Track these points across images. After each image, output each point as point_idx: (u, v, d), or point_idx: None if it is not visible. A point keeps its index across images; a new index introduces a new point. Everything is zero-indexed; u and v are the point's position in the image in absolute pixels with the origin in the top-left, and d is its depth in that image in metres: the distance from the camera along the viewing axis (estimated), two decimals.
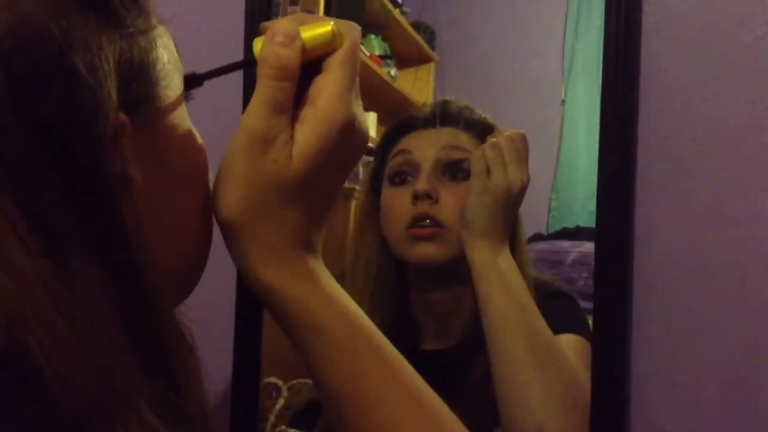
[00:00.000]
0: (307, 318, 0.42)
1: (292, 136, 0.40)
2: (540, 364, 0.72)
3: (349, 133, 0.41)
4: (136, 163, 0.33)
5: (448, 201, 0.80)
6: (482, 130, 0.83)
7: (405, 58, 1.14)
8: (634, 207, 0.76)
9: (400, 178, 0.83)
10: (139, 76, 0.36)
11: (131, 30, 0.35)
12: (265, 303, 0.43)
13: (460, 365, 0.83)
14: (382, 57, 1.13)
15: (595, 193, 0.76)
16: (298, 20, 0.42)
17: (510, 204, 0.76)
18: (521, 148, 0.76)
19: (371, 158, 0.94)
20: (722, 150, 0.74)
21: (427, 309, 0.86)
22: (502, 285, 0.74)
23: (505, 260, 0.75)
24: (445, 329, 0.86)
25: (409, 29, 1.12)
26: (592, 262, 0.78)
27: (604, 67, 0.76)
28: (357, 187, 1.02)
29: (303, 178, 0.40)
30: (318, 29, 0.41)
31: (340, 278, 0.51)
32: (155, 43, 0.38)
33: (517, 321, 0.72)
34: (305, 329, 0.42)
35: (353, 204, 1.00)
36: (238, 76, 0.90)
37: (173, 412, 0.30)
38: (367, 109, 1.06)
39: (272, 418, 0.92)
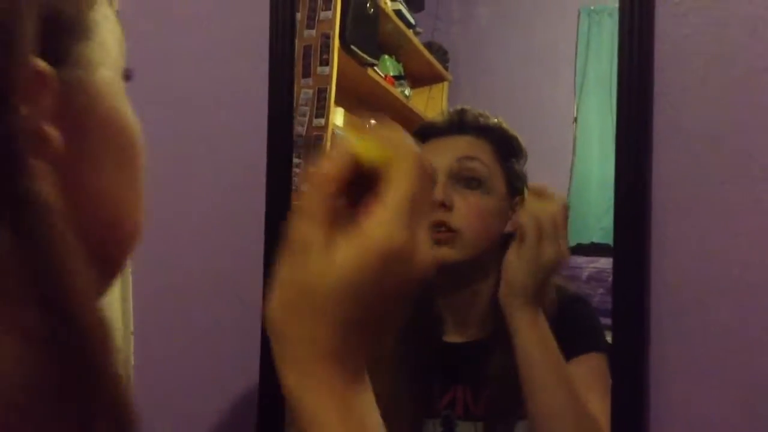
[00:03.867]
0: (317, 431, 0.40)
1: (331, 247, 0.38)
2: (575, 417, 0.77)
3: (398, 263, 0.38)
4: (56, 122, 0.30)
5: (461, 208, 0.85)
6: (498, 137, 0.88)
7: (418, 77, 1.16)
8: (651, 226, 0.77)
9: None
10: (68, 30, 0.32)
11: None
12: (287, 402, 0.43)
13: (480, 359, 0.86)
14: (396, 77, 1.15)
15: (609, 210, 0.77)
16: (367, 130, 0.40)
17: (552, 274, 0.78)
18: (566, 221, 0.78)
19: None
20: (736, 167, 0.75)
21: (447, 302, 0.90)
22: (541, 345, 0.78)
23: (542, 321, 0.78)
24: (464, 321, 0.90)
25: (422, 49, 1.14)
26: (607, 278, 0.78)
27: (619, 85, 0.76)
28: None
29: (336, 296, 0.38)
30: (371, 140, 0.39)
31: None
32: (91, 5, 0.34)
33: (556, 377, 0.78)
34: None
35: None
36: (263, 70, 0.91)
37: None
38: None
39: None
